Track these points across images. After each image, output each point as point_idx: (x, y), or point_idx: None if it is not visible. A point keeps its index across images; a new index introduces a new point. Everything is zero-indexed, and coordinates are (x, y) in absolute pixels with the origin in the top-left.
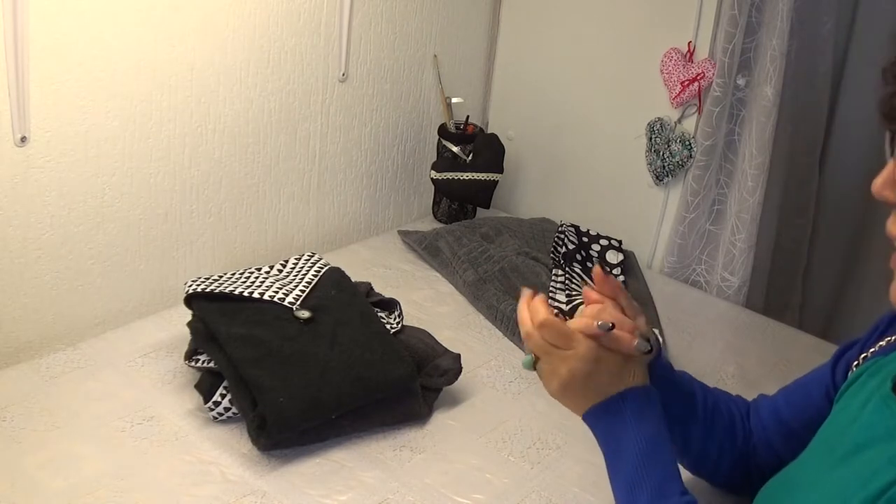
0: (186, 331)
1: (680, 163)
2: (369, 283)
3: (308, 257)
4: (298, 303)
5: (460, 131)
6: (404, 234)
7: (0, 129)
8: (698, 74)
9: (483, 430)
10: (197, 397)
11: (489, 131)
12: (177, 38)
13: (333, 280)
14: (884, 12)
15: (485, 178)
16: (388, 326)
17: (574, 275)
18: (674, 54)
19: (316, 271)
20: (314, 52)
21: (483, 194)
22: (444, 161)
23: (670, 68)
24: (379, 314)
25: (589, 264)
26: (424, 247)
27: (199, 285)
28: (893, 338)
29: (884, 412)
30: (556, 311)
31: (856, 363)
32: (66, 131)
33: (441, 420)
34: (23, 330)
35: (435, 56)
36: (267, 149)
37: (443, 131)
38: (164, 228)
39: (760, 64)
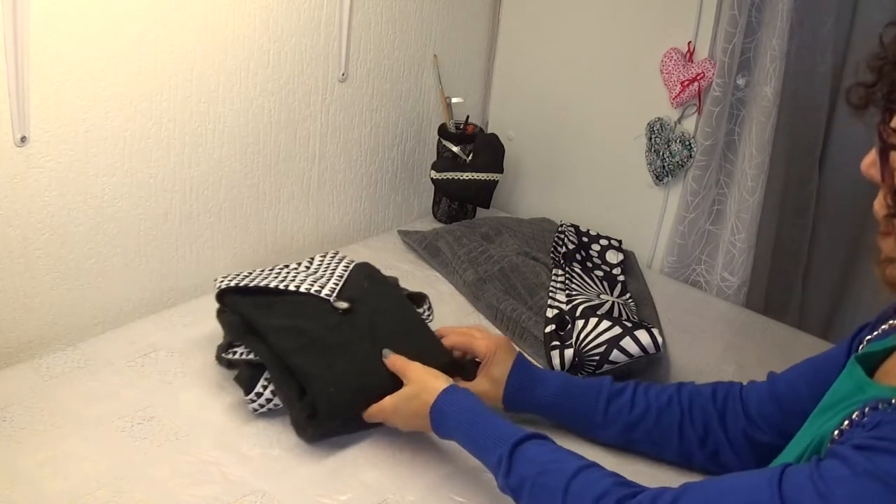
0: (186, 331)
1: (680, 163)
2: (397, 279)
3: (333, 254)
4: (335, 294)
5: (460, 131)
6: (404, 234)
7: (0, 129)
8: (698, 74)
9: None
10: (197, 397)
11: (489, 131)
12: (177, 38)
13: (365, 273)
14: (884, 12)
15: (485, 178)
16: None
17: (574, 275)
18: (674, 54)
19: (345, 266)
20: (314, 52)
21: (483, 194)
22: (444, 161)
23: (670, 68)
24: None
25: (589, 264)
26: (424, 247)
27: (230, 281)
28: (890, 323)
29: (846, 378)
30: (556, 310)
31: (868, 338)
32: (66, 131)
33: None
34: (23, 330)
35: (435, 56)
36: (267, 149)
37: (443, 131)
38: (164, 228)
39: (760, 64)
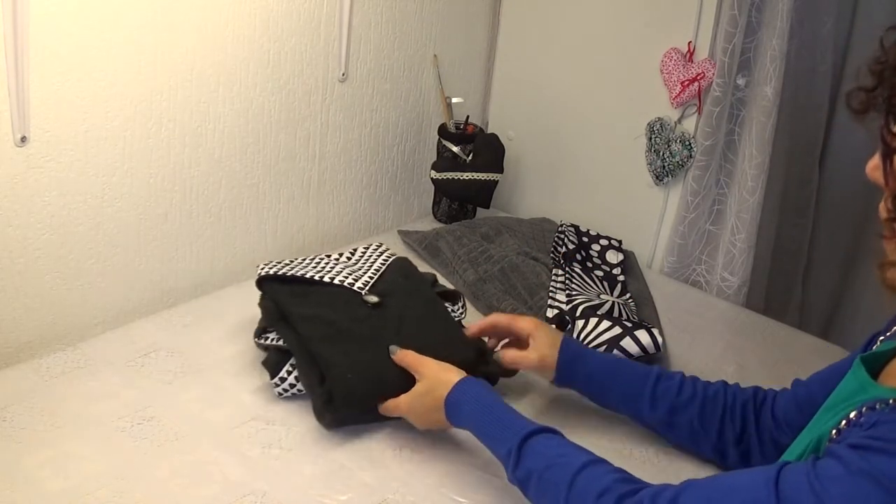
0: (186, 331)
1: (680, 163)
2: (434, 275)
3: (376, 247)
4: (367, 288)
5: (460, 131)
6: (404, 234)
7: (0, 129)
8: (698, 74)
9: None
10: (197, 397)
11: (489, 131)
12: (177, 38)
13: (401, 268)
14: (884, 12)
15: (485, 178)
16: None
17: (574, 275)
18: (674, 54)
19: (384, 260)
20: (314, 52)
21: (483, 194)
22: (444, 161)
23: (670, 68)
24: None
25: (589, 264)
26: (424, 247)
27: (271, 268)
28: None
29: (850, 378)
30: (556, 310)
31: (881, 339)
32: (66, 131)
33: None
34: (23, 330)
35: (435, 56)
36: (267, 149)
37: (443, 131)
38: (164, 228)
39: (760, 64)
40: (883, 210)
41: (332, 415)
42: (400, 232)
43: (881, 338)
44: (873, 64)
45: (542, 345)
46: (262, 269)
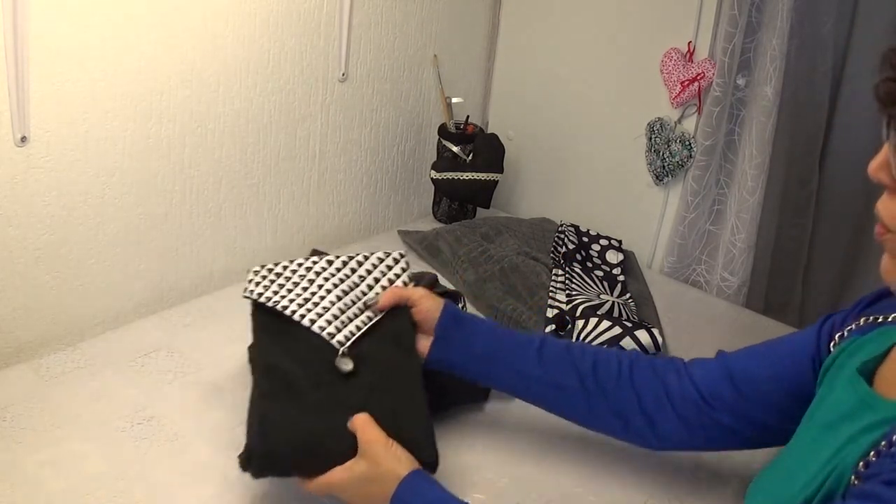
0: (186, 331)
1: (680, 163)
2: (435, 275)
3: (387, 269)
4: (347, 345)
5: (460, 131)
6: (404, 234)
7: (0, 129)
8: (698, 74)
9: (484, 430)
10: (196, 397)
11: (489, 131)
12: (177, 38)
13: (395, 329)
14: (883, 12)
15: (485, 178)
16: None
17: (574, 275)
18: (674, 54)
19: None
20: (314, 52)
21: (483, 194)
22: (444, 161)
23: (670, 68)
24: None
25: (589, 264)
26: (424, 247)
27: (261, 287)
28: (871, 318)
29: (848, 392)
30: (556, 310)
31: (839, 334)
32: (66, 131)
33: (441, 420)
34: (23, 330)
35: (435, 56)
36: (267, 149)
37: (443, 131)
38: (164, 228)
39: (760, 64)
40: (885, 208)
41: (251, 473)
42: (400, 232)
43: (841, 332)
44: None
45: (424, 309)
46: (251, 291)
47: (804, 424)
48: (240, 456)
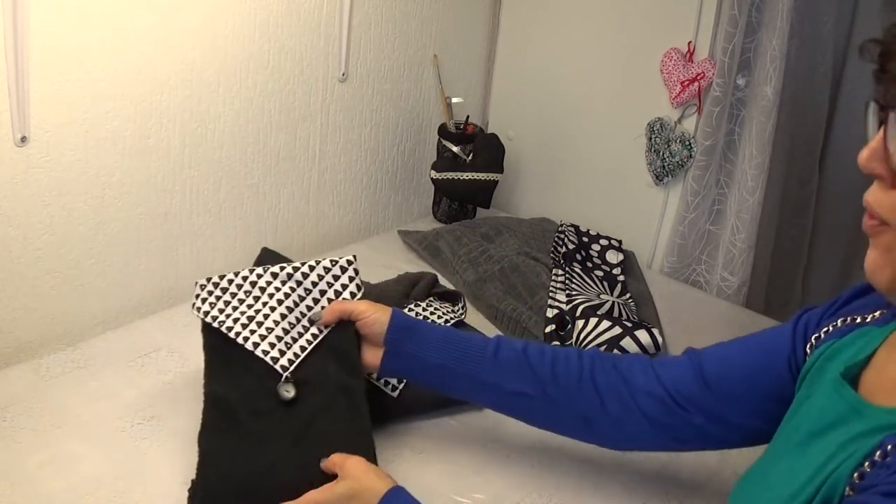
0: (186, 331)
1: (680, 163)
2: (435, 275)
3: (333, 280)
4: (291, 369)
5: (460, 131)
6: (404, 234)
7: (0, 129)
8: (698, 74)
9: (483, 430)
10: (196, 397)
11: (489, 131)
12: (177, 38)
13: (339, 347)
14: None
15: (485, 178)
16: (452, 315)
17: (574, 275)
18: (674, 54)
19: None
20: (314, 52)
21: (483, 194)
22: (444, 161)
23: (670, 68)
24: (443, 305)
25: (589, 264)
26: (424, 247)
27: (207, 304)
28: (849, 318)
29: (834, 398)
30: (556, 310)
31: (815, 335)
32: (66, 131)
33: (441, 420)
34: (23, 330)
35: (435, 56)
36: (267, 149)
37: (443, 131)
38: (164, 228)
39: (760, 64)
40: (874, 199)
41: None
42: (400, 232)
43: (817, 334)
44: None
45: (373, 328)
46: (199, 300)
47: (785, 429)
48: (188, 490)
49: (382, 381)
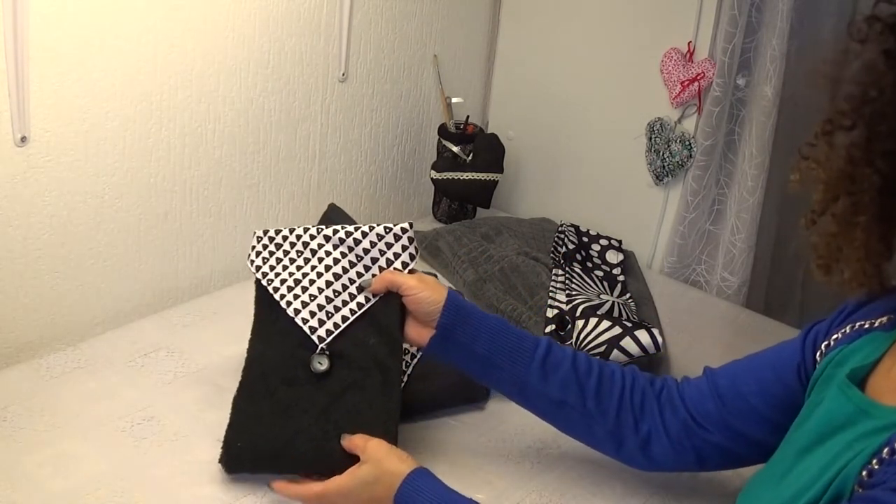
0: (186, 331)
1: (680, 163)
2: (435, 275)
3: (386, 248)
4: (328, 340)
5: (460, 131)
6: None
7: (0, 129)
8: (698, 74)
9: (484, 430)
10: (196, 397)
11: (489, 131)
12: (177, 38)
13: (382, 321)
14: None
15: (485, 178)
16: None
17: (574, 275)
18: (674, 54)
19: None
20: (314, 52)
21: (483, 194)
22: (444, 161)
23: (670, 68)
24: None
25: (589, 264)
26: (424, 247)
27: (261, 258)
28: (857, 324)
29: (841, 400)
30: (556, 310)
31: (825, 343)
32: (66, 131)
33: (441, 420)
34: (23, 330)
35: (435, 56)
36: (267, 149)
37: (443, 131)
38: (164, 228)
39: (760, 64)
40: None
41: (223, 464)
42: None
43: (827, 341)
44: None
45: (420, 298)
46: (254, 253)
47: (794, 433)
48: (221, 448)
49: None
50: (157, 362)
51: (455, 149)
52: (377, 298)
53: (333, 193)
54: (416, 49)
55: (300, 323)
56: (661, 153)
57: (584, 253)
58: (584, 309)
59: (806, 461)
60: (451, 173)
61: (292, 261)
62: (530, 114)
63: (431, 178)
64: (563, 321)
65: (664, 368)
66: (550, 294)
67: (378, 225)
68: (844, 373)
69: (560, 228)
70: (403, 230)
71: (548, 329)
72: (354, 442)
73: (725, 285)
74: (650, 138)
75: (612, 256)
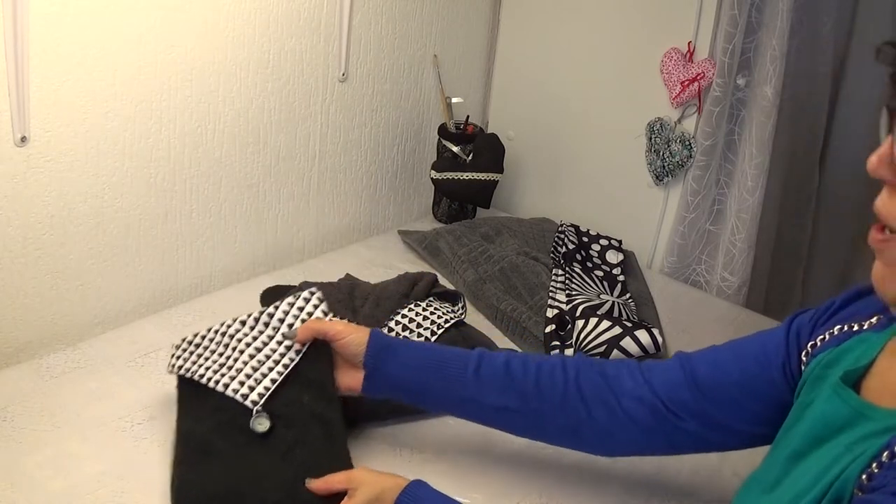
0: (186, 331)
1: (680, 163)
2: (435, 275)
3: (298, 311)
4: (262, 402)
5: (460, 131)
6: (404, 234)
7: (0, 129)
8: (698, 74)
9: (483, 430)
10: None
11: (489, 131)
12: (177, 38)
13: (310, 378)
14: (883, 12)
15: (485, 178)
16: (452, 315)
17: (574, 275)
18: (674, 54)
19: (296, 352)
20: (314, 52)
21: (483, 194)
22: (444, 161)
23: (670, 68)
24: (443, 305)
25: (589, 264)
26: (424, 247)
27: (181, 360)
28: (846, 326)
29: (836, 402)
30: (556, 310)
31: (811, 343)
32: (66, 131)
33: (441, 420)
34: (23, 330)
35: (435, 56)
36: (267, 149)
37: (443, 131)
38: (164, 228)
39: (760, 64)
40: (883, 205)
41: None
42: (400, 232)
43: (814, 341)
44: None
45: (350, 347)
46: (174, 358)
47: (786, 436)
48: None
49: None
50: (157, 362)
51: (455, 149)
52: (301, 355)
53: (333, 193)
54: (416, 49)
55: (231, 394)
56: (661, 153)
57: (584, 253)
58: (584, 309)
59: (801, 466)
60: (451, 173)
61: (212, 351)
62: (530, 114)
63: (431, 178)
64: (563, 321)
65: None
66: (550, 294)
67: (285, 299)
68: (837, 375)
69: (560, 228)
70: (311, 293)
71: (548, 329)
72: (332, 480)
73: (725, 285)
74: (650, 138)
75: (612, 256)
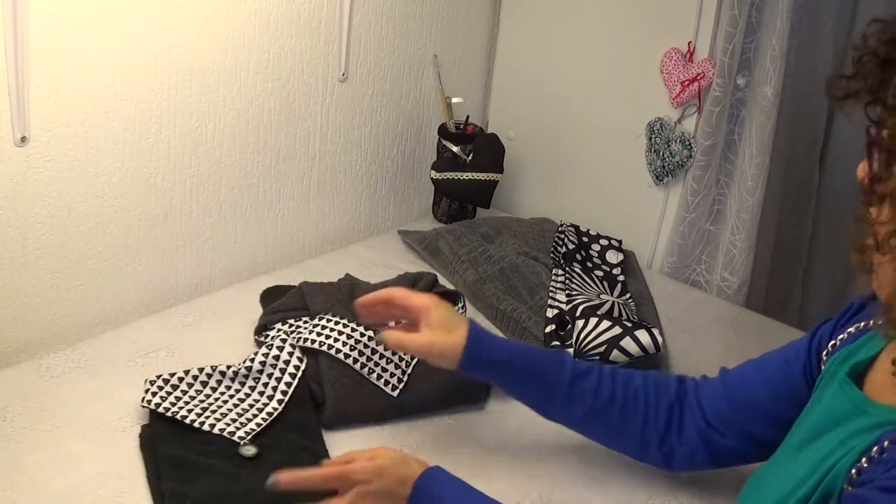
0: (186, 331)
1: (680, 163)
2: (435, 275)
3: (277, 354)
4: (248, 438)
5: (460, 131)
6: (404, 234)
7: (0, 129)
8: (698, 74)
9: (483, 430)
10: None
11: (489, 131)
12: (177, 38)
13: (294, 421)
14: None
15: (485, 178)
16: None
17: (574, 275)
18: (674, 54)
19: (283, 391)
20: (314, 52)
21: (483, 194)
22: (444, 161)
23: (670, 68)
24: None
25: (589, 264)
26: (424, 247)
27: (157, 397)
28: (862, 324)
29: (839, 397)
30: (556, 310)
31: (831, 343)
32: (66, 131)
33: (441, 420)
34: (23, 330)
35: (435, 56)
36: (267, 149)
37: (443, 131)
38: (164, 228)
39: (760, 64)
40: (863, 172)
41: None
42: (400, 232)
43: (833, 341)
44: (853, 51)
45: (436, 324)
46: (149, 400)
47: (795, 428)
48: None
49: (382, 381)
50: (157, 362)
51: (455, 149)
52: (287, 406)
53: (333, 193)
54: (416, 49)
55: (217, 432)
56: (661, 153)
57: (584, 253)
58: (584, 309)
59: (802, 456)
60: (451, 173)
61: (192, 397)
62: (530, 114)
63: (431, 178)
64: (563, 321)
65: (664, 368)
66: (550, 294)
67: (260, 350)
68: (845, 370)
69: (560, 228)
70: (292, 347)
71: (548, 329)
72: (353, 455)
73: (725, 285)
74: (650, 138)
75: (612, 256)
